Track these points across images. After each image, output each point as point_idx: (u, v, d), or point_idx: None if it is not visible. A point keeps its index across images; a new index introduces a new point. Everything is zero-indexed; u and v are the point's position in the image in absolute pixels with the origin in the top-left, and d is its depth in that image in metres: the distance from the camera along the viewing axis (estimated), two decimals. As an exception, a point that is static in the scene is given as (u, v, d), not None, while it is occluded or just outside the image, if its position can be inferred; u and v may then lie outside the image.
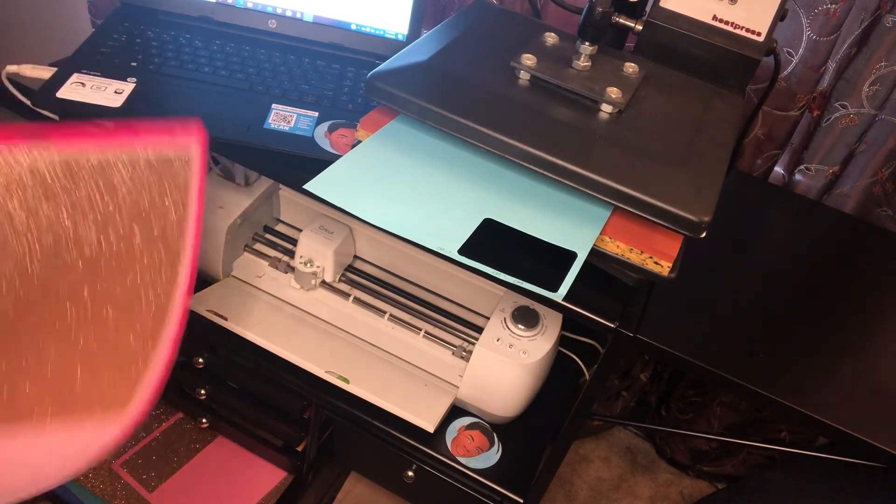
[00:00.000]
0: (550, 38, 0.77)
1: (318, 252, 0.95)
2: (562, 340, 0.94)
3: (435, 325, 0.97)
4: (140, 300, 0.58)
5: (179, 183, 0.60)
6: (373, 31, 0.91)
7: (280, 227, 1.07)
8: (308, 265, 0.95)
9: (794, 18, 0.89)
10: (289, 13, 0.90)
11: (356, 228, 0.99)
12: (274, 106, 0.80)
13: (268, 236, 1.04)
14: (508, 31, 0.81)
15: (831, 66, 0.93)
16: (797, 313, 0.78)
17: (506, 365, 0.86)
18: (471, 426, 0.93)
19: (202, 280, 1.02)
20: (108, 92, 0.76)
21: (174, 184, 0.60)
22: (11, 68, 0.82)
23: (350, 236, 0.98)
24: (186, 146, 0.62)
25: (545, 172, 0.64)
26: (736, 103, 0.77)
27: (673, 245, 0.65)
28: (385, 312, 0.97)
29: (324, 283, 0.98)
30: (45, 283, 0.56)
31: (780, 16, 0.76)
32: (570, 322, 0.84)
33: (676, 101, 0.75)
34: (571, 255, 0.62)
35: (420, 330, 0.96)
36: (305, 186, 0.65)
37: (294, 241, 1.03)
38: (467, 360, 0.89)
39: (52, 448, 0.51)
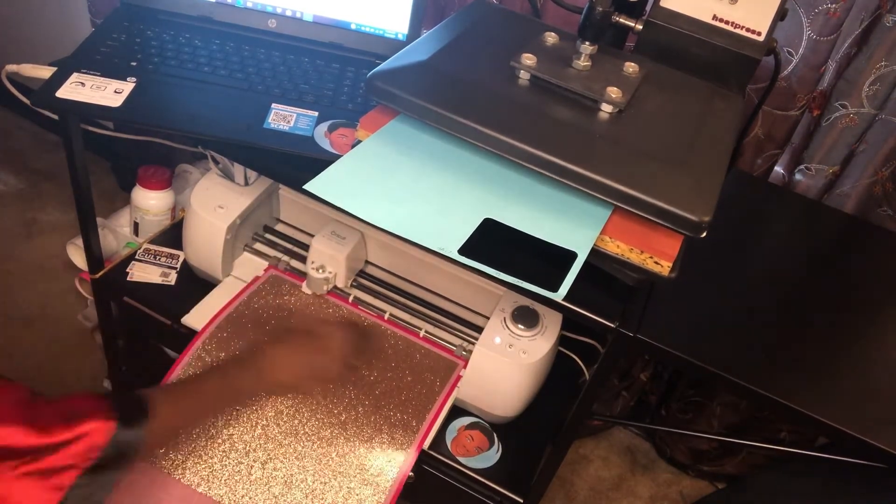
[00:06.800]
0: (550, 38, 0.77)
1: (330, 258, 0.94)
2: (562, 340, 0.94)
3: (435, 325, 0.97)
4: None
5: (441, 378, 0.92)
6: (373, 30, 0.91)
7: (280, 227, 1.07)
8: (320, 271, 0.95)
9: (794, 18, 0.89)
10: (289, 13, 0.90)
11: (368, 234, 0.98)
12: (274, 105, 0.80)
13: (268, 236, 1.04)
14: (508, 31, 0.81)
15: (831, 65, 0.93)
16: (797, 313, 0.78)
17: (506, 365, 0.86)
18: (471, 426, 0.93)
19: (202, 280, 1.02)
20: (108, 91, 0.76)
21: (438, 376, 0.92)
22: (11, 68, 0.82)
23: (362, 241, 0.98)
24: (455, 368, 0.93)
25: (545, 172, 0.64)
26: (736, 103, 0.77)
27: (673, 245, 0.65)
28: (385, 312, 0.97)
29: (336, 288, 0.98)
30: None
31: (780, 15, 0.76)
32: (570, 322, 0.84)
33: (676, 101, 0.75)
34: (571, 255, 0.62)
35: (420, 329, 0.96)
36: (305, 186, 0.65)
37: (294, 241, 1.03)
38: (467, 359, 0.89)
39: None
